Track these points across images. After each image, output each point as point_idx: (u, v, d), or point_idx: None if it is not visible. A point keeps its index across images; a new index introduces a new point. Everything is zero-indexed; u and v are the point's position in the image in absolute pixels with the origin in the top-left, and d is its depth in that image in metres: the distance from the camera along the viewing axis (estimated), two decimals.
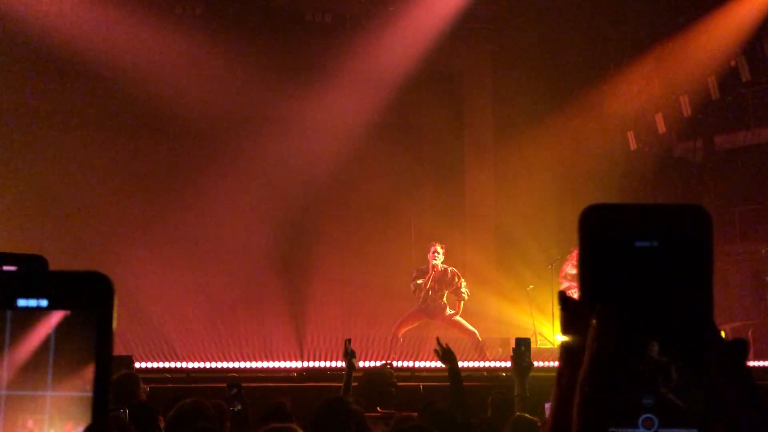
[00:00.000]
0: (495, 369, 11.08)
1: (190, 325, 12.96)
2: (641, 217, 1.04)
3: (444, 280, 11.96)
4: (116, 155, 14.08)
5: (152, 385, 7.52)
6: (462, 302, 12.03)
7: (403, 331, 12.12)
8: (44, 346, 0.87)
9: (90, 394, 0.86)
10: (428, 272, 11.95)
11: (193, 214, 13.80)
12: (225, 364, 11.31)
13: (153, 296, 12.88)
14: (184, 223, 13.74)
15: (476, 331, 11.95)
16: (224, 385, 6.83)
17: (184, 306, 13.15)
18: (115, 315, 0.88)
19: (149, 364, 11.05)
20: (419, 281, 11.98)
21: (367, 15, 14.15)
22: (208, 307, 13.38)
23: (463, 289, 11.94)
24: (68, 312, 0.88)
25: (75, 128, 13.99)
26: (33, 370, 0.86)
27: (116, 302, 0.89)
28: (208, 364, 11.32)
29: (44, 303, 0.89)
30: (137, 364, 10.10)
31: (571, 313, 1.07)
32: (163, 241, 13.51)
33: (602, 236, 1.04)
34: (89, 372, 0.86)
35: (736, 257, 14.17)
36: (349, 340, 7.10)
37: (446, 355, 6.00)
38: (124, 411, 4.12)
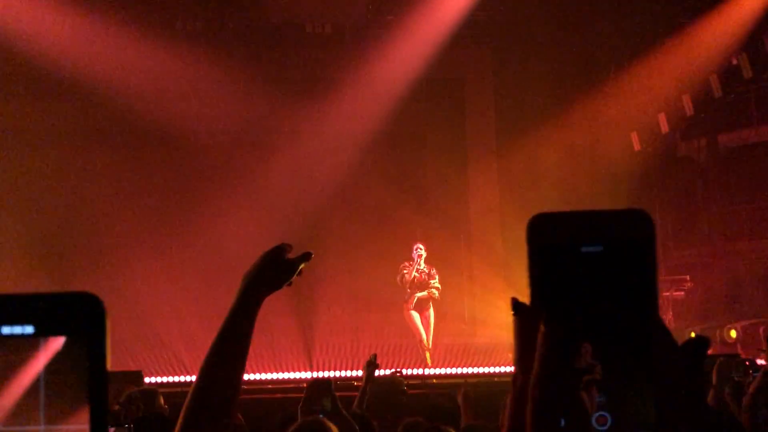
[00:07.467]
0: (504, 374, 11.06)
1: (199, 338, 12.93)
2: (586, 223, 1.06)
3: (426, 279, 12.33)
4: (122, 172, 14.10)
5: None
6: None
7: (426, 338, 12.29)
8: (34, 376, 0.81)
9: (86, 427, 0.80)
10: (411, 265, 12.40)
11: (199, 228, 13.79)
12: None
13: (161, 310, 12.89)
14: (189, 236, 13.73)
15: (424, 334, 12.21)
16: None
17: (191, 319, 13.13)
18: (108, 340, 0.82)
19: (159, 379, 11.04)
20: (405, 272, 12.43)
21: (367, 25, 14.14)
22: (216, 319, 13.31)
23: (437, 285, 12.36)
24: (57, 338, 0.82)
25: (80, 146, 13.99)
26: (23, 404, 0.80)
27: (109, 326, 0.83)
28: None
29: (30, 329, 0.82)
30: (147, 379, 10.10)
31: (523, 318, 1.11)
32: (169, 254, 13.51)
33: (549, 243, 1.08)
34: (84, 404, 0.80)
35: (744, 255, 14.12)
36: (375, 355, 7.11)
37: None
38: (130, 426, 4.09)
